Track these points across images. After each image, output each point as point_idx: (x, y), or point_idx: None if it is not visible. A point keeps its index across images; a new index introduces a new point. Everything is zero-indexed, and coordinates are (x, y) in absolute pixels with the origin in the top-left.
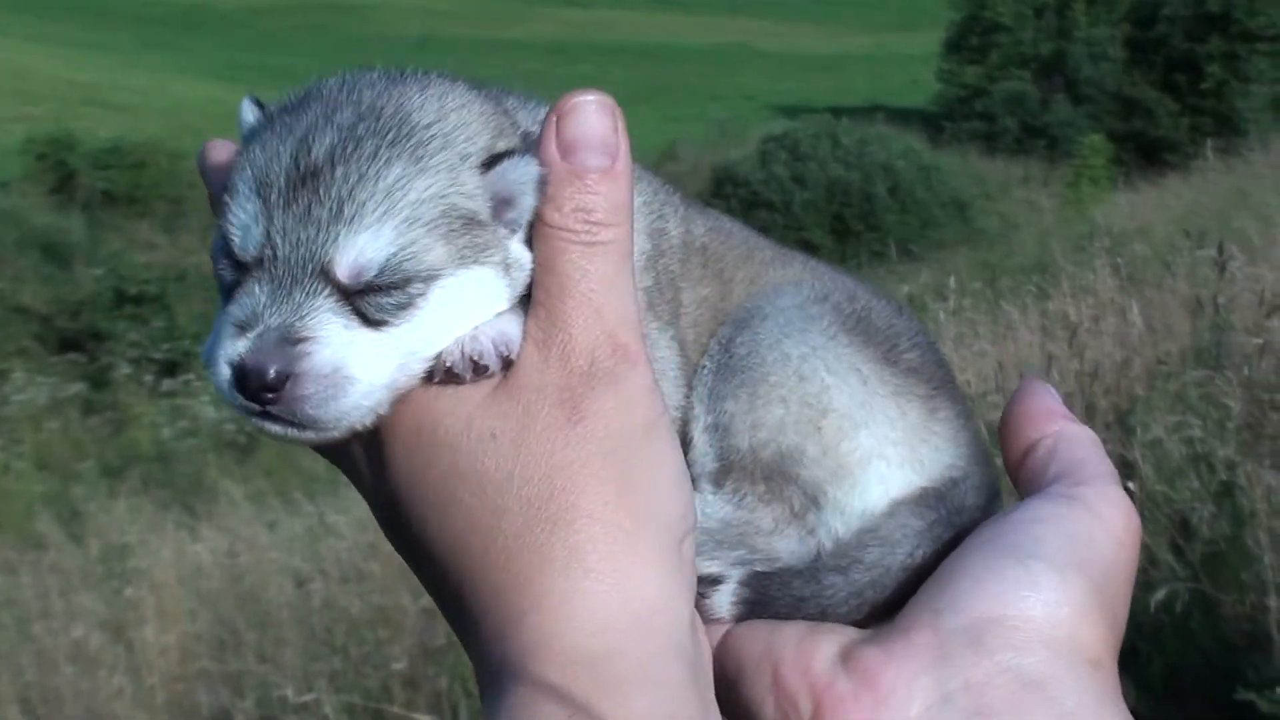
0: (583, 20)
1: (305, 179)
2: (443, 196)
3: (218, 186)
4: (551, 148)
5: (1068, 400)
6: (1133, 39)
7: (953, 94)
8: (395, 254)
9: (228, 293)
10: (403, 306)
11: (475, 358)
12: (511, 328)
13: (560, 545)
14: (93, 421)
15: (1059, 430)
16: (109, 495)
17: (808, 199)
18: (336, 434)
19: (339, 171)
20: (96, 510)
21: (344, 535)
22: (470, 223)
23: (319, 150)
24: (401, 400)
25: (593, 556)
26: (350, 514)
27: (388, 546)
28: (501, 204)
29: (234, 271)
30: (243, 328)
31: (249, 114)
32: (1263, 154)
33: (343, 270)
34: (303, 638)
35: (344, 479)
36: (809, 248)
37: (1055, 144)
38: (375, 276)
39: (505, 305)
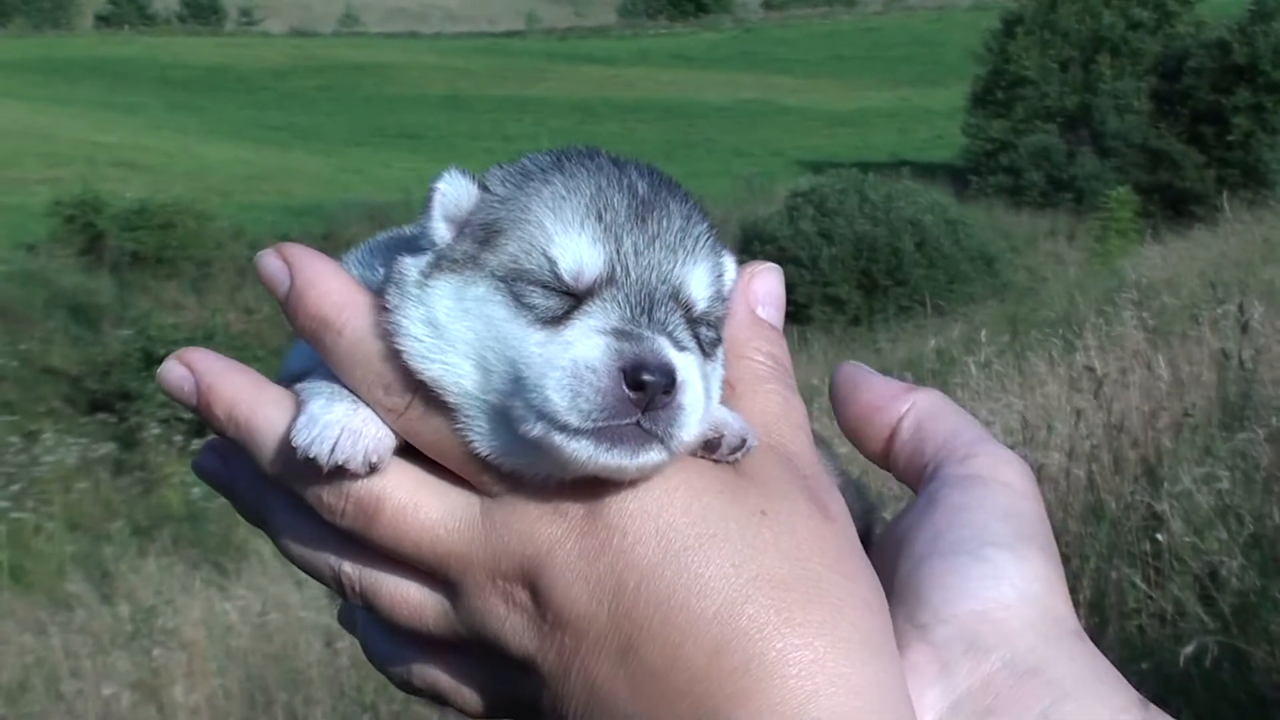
0: (603, 77)
1: (646, 207)
2: (720, 262)
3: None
4: (745, 299)
5: (1094, 452)
6: (1158, 91)
7: (979, 148)
8: (715, 294)
9: (545, 319)
10: (715, 344)
11: (734, 441)
12: (723, 414)
13: (850, 628)
14: (123, 481)
15: (911, 406)
16: (139, 555)
17: (835, 255)
18: (666, 464)
19: (673, 206)
20: (126, 570)
21: None
22: (720, 291)
23: (643, 187)
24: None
25: (877, 638)
26: None
27: None
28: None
29: (556, 298)
30: (620, 335)
31: (460, 186)
32: None
33: (691, 295)
34: (332, 696)
35: None
36: (836, 303)
37: (1082, 197)
38: (707, 308)
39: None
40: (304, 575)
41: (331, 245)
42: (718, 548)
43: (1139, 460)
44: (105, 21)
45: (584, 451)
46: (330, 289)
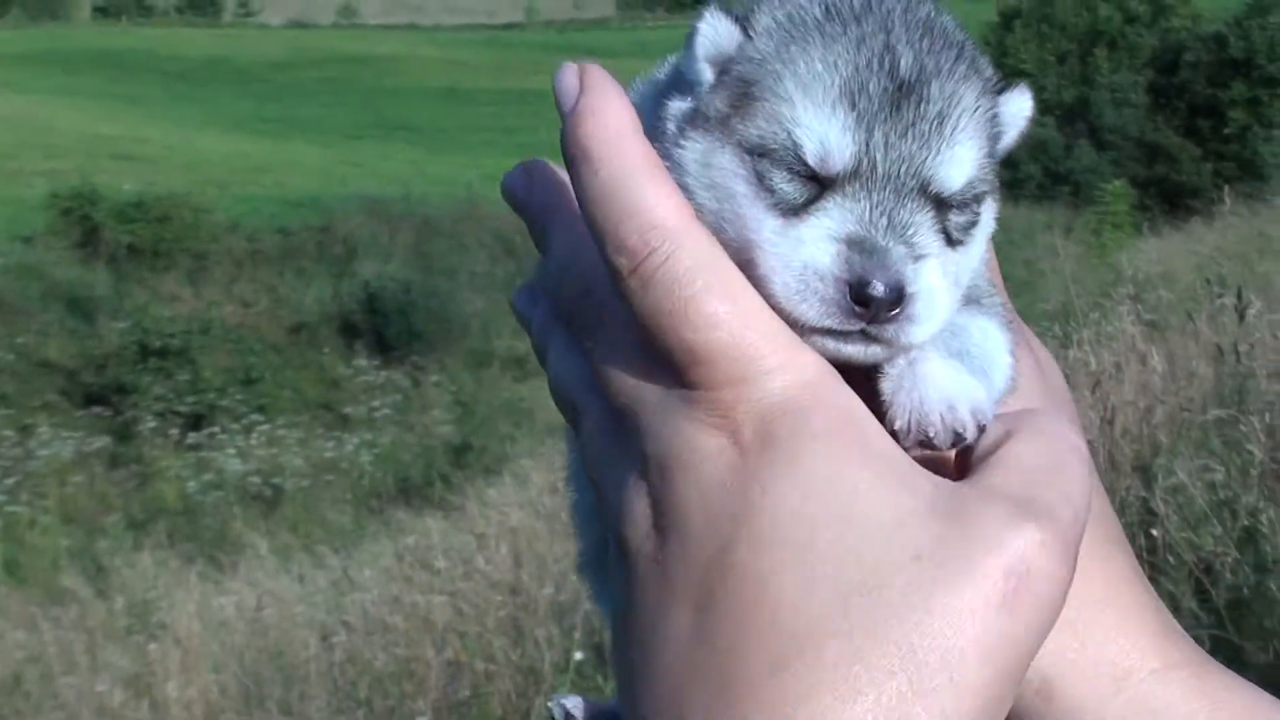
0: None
1: (903, 92)
2: (992, 117)
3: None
4: None
5: (1090, 448)
6: (1155, 85)
7: None
8: (976, 173)
9: (784, 206)
10: (970, 226)
11: (958, 428)
12: (980, 394)
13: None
14: (118, 475)
15: None
16: (134, 549)
17: None
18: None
19: (934, 87)
20: (121, 564)
21: (368, 588)
22: (993, 147)
23: (906, 64)
24: (822, 436)
25: None
26: (375, 566)
27: (410, 599)
28: (999, 135)
29: (800, 183)
30: (854, 243)
31: (721, 29)
32: None
33: (943, 185)
34: (327, 691)
35: (371, 530)
36: None
37: (1079, 190)
38: (960, 192)
39: (988, 251)
40: (301, 570)
41: (329, 237)
42: (851, 566)
43: (1134, 455)
44: (103, 13)
45: (815, 341)
46: (605, 124)
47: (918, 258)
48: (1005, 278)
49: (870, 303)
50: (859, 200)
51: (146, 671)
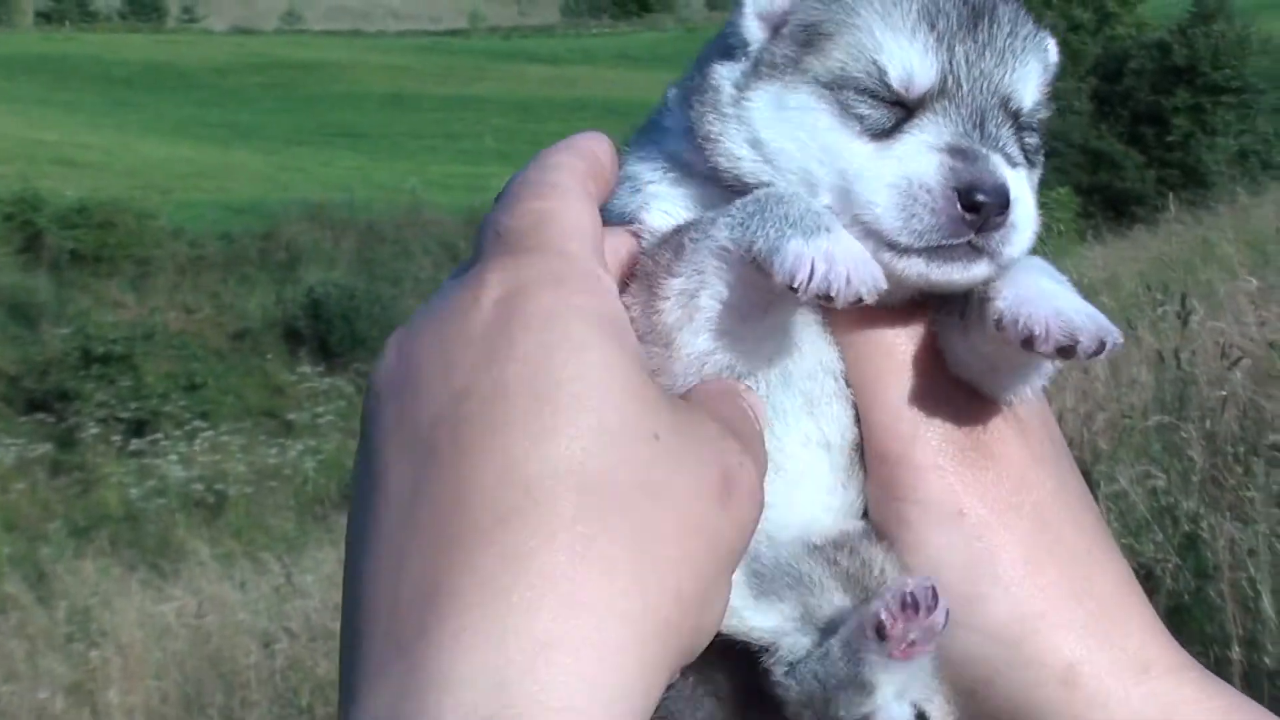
0: (546, 76)
1: (977, 14)
2: (1046, 48)
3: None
4: None
5: None
6: (1099, 92)
7: None
8: (1041, 95)
9: (874, 131)
10: (1038, 150)
11: (1103, 336)
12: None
13: (618, 598)
14: (60, 482)
15: None
16: (76, 556)
17: None
18: (994, 273)
19: (1002, 11)
20: (63, 571)
21: (310, 595)
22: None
23: None
24: (568, 312)
25: (646, 625)
26: (317, 573)
27: None
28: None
29: (887, 108)
30: (955, 152)
31: None
32: (1229, 206)
33: (1021, 103)
34: (269, 698)
35: (314, 536)
36: None
37: None
38: (1031, 109)
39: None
40: (244, 576)
41: (272, 244)
42: (592, 427)
43: (1076, 461)
44: (46, 18)
45: (914, 268)
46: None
47: (1014, 164)
48: None
49: (980, 208)
50: (950, 115)
51: (88, 679)
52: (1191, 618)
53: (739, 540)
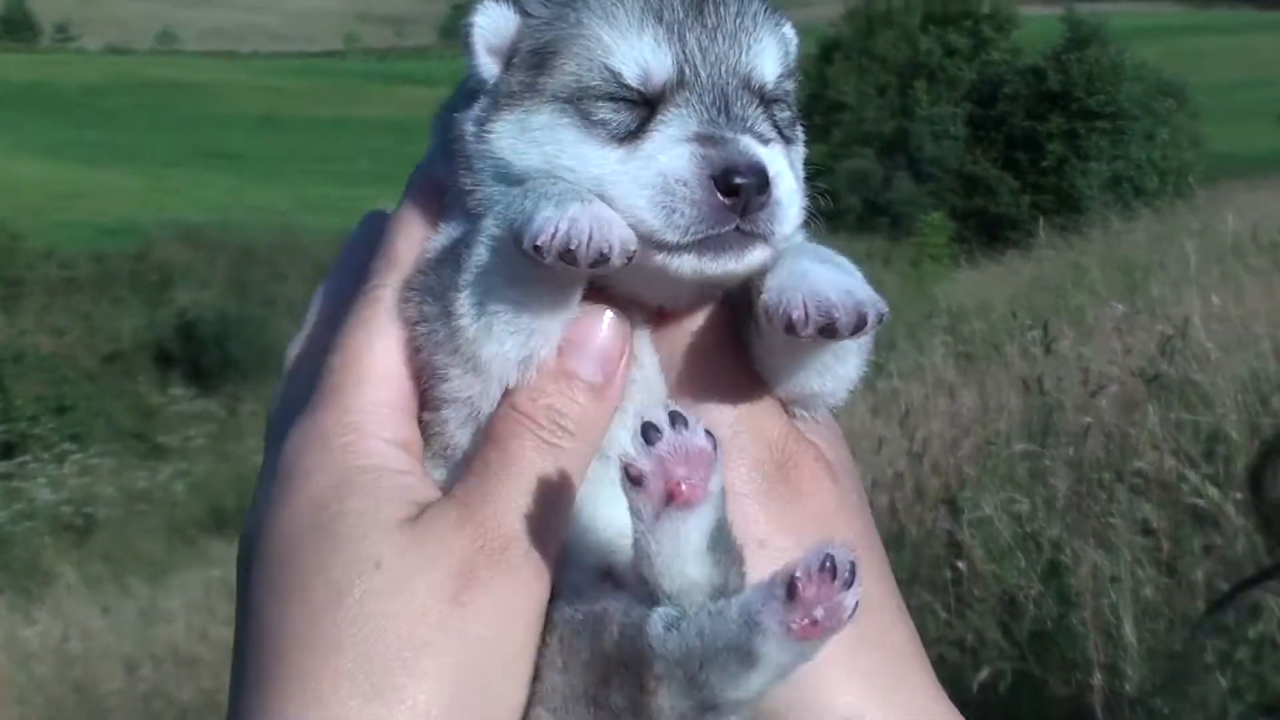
0: (421, 97)
1: (703, 1)
2: (780, 25)
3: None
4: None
5: (896, 480)
6: (974, 117)
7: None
8: (785, 69)
9: (620, 134)
10: (793, 123)
11: (861, 310)
12: (870, 290)
13: None
14: None
15: None
16: None
17: None
18: (771, 257)
19: None
20: None
21: (175, 620)
22: (788, 58)
23: None
24: (323, 465)
25: None
26: (184, 597)
27: (216, 633)
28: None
29: (629, 109)
30: (703, 140)
31: (498, 15)
32: (1102, 231)
33: (763, 78)
34: None
35: (184, 560)
36: None
37: (897, 221)
38: (777, 85)
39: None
40: (110, 601)
41: (145, 265)
42: (318, 580)
43: (941, 488)
44: None
45: (688, 265)
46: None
47: (766, 141)
48: None
49: (739, 190)
50: (692, 104)
51: None
52: (1054, 644)
53: (490, 632)
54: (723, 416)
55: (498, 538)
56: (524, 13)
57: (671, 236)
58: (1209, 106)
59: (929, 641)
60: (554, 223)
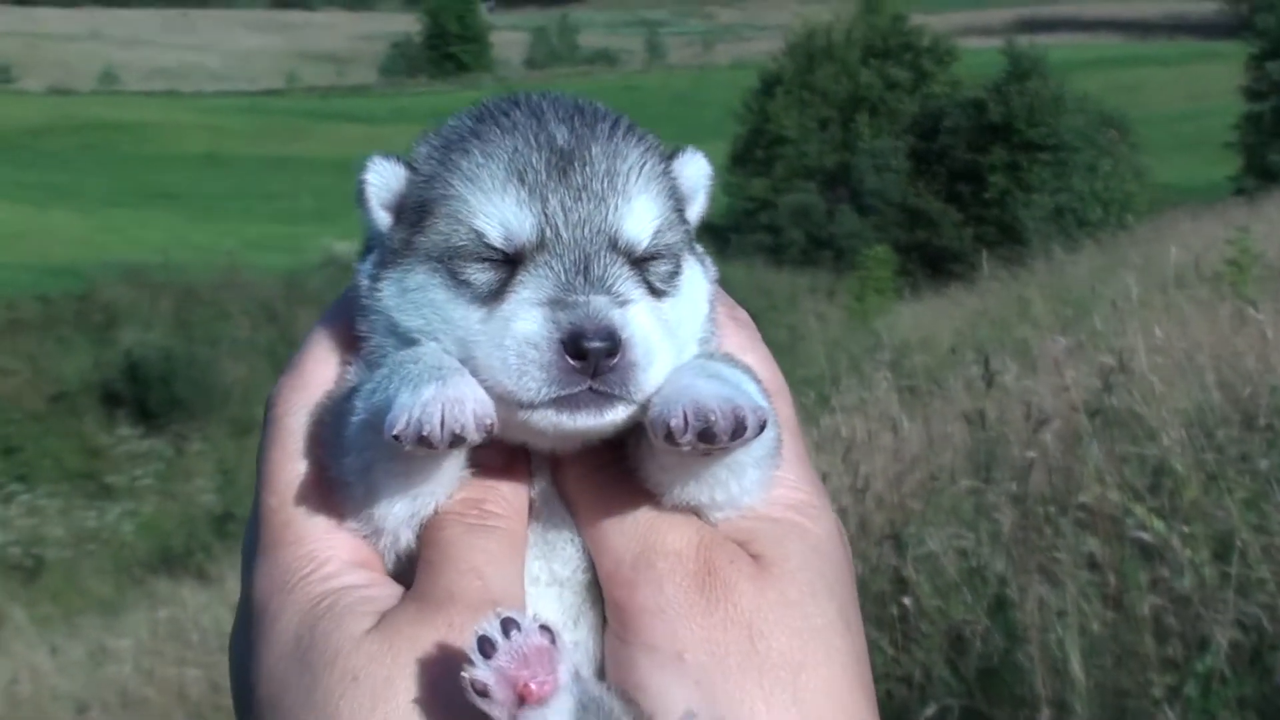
0: (362, 135)
1: (567, 160)
2: (668, 176)
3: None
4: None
5: (841, 515)
6: (916, 150)
7: (740, 206)
8: (661, 223)
9: (483, 295)
10: (672, 275)
11: (739, 414)
12: (755, 397)
13: None
14: None
15: None
16: None
17: None
18: (635, 413)
19: (595, 150)
20: None
21: (124, 661)
22: (681, 210)
23: (562, 137)
24: (289, 603)
25: None
26: (133, 637)
27: (164, 673)
28: (684, 198)
29: (492, 269)
30: (556, 304)
31: (387, 171)
32: (1045, 262)
33: (631, 238)
34: None
35: (132, 600)
36: None
37: (841, 255)
38: (651, 244)
39: (707, 308)
40: (58, 642)
41: (89, 305)
42: (303, 706)
43: (885, 523)
44: None
45: (547, 420)
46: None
47: (623, 304)
48: (770, 343)
49: (587, 354)
50: (552, 265)
51: None
52: (1001, 680)
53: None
54: (627, 543)
55: (460, 614)
56: (411, 168)
57: (526, 396)
58: (1150, 137)
59: (876, 678)
60: (407, 411)
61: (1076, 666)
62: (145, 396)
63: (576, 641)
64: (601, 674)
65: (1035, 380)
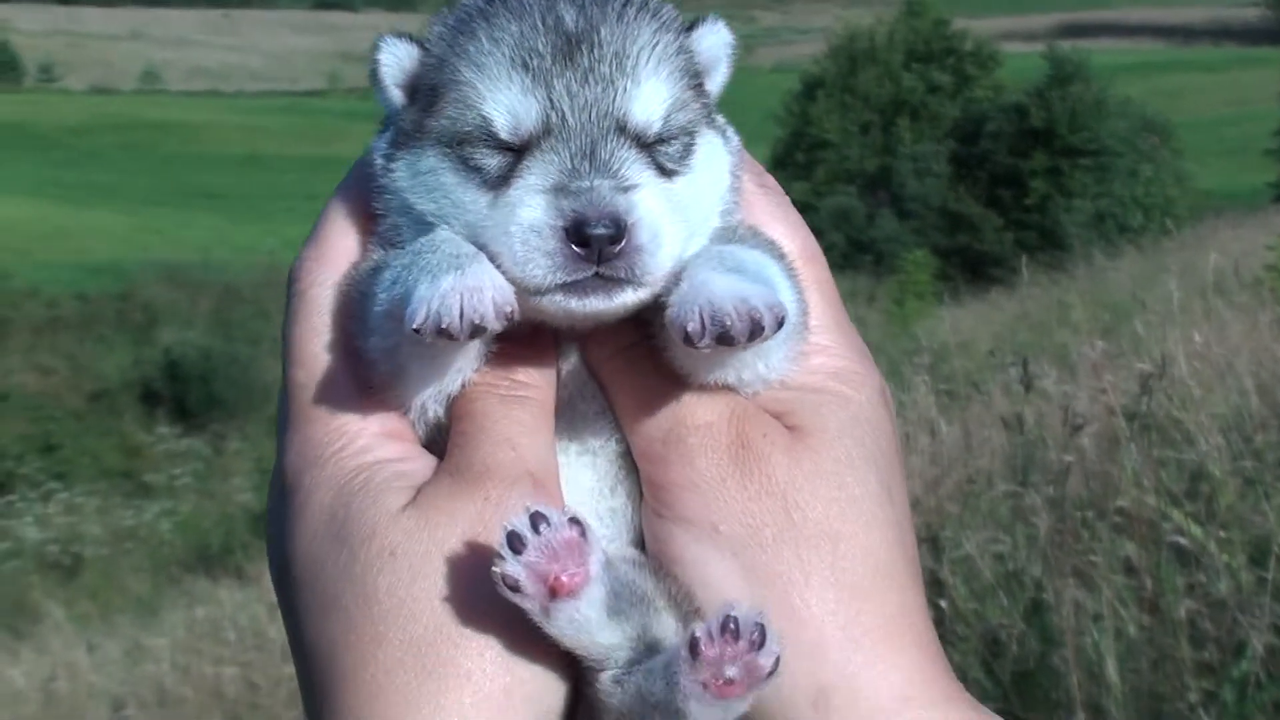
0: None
1: (574, 44)
2: (683, 53)
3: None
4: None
5: None
6: (957, 155)
7: None
8: (673, 103)
9: (491, 180)
10: (684, 155)
11: (755, 316)
12: (771, 293)
13: (429, 701)
14: None
15: None
16: None
17: None
18: (651, 294)
19: (604, 33)
20: None
21: (161, 659)
22: (699, 84)
23: (571, 19)
24: (322, 479)
25: None
26: (170, 636)
27: (201, 671)
28: (703, 71)
29: (500, 155)
30: (560, 190)
31: (400, 50)
32: (1085, 267)
33: (639, 121)
34: None
35: (169, 599)
36: None
37: (881, 259)
38: (662, 126)
39: (728, 180)
40: (95, 640)
41: (129, 304)
42: (344, 583)
43: (922, 526)
44: None
45: (556, 304)
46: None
47: (628, 188)
48: None
49: (590, 240)
50: (557, 152)
51: None
52: (1036, 684)
53: None
54: (657, 419)
55: (496, 488)
56: (423, 48)
57: (531, 283)
58: (1192, 143)
59: None
60: (426, 303)
61: (1112, 670)
62: (184, 395)
63: (614, 509)
64: (640, 543)
65: (1074, 385)
